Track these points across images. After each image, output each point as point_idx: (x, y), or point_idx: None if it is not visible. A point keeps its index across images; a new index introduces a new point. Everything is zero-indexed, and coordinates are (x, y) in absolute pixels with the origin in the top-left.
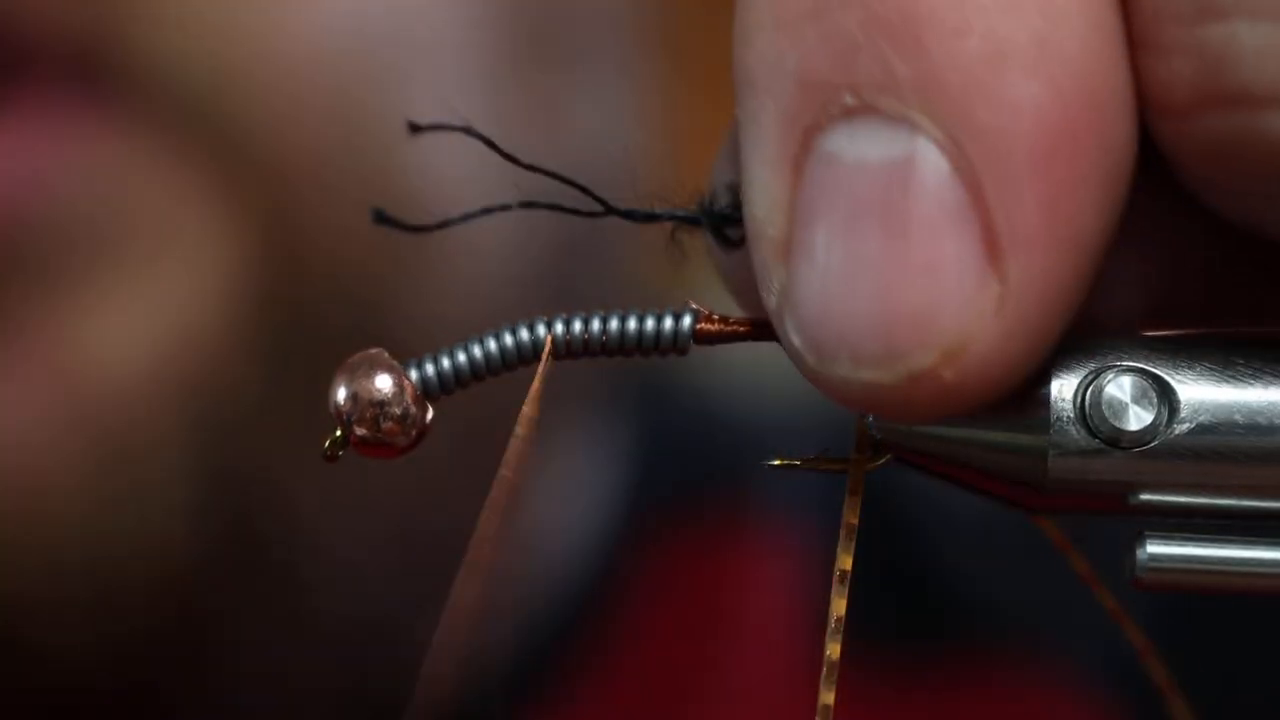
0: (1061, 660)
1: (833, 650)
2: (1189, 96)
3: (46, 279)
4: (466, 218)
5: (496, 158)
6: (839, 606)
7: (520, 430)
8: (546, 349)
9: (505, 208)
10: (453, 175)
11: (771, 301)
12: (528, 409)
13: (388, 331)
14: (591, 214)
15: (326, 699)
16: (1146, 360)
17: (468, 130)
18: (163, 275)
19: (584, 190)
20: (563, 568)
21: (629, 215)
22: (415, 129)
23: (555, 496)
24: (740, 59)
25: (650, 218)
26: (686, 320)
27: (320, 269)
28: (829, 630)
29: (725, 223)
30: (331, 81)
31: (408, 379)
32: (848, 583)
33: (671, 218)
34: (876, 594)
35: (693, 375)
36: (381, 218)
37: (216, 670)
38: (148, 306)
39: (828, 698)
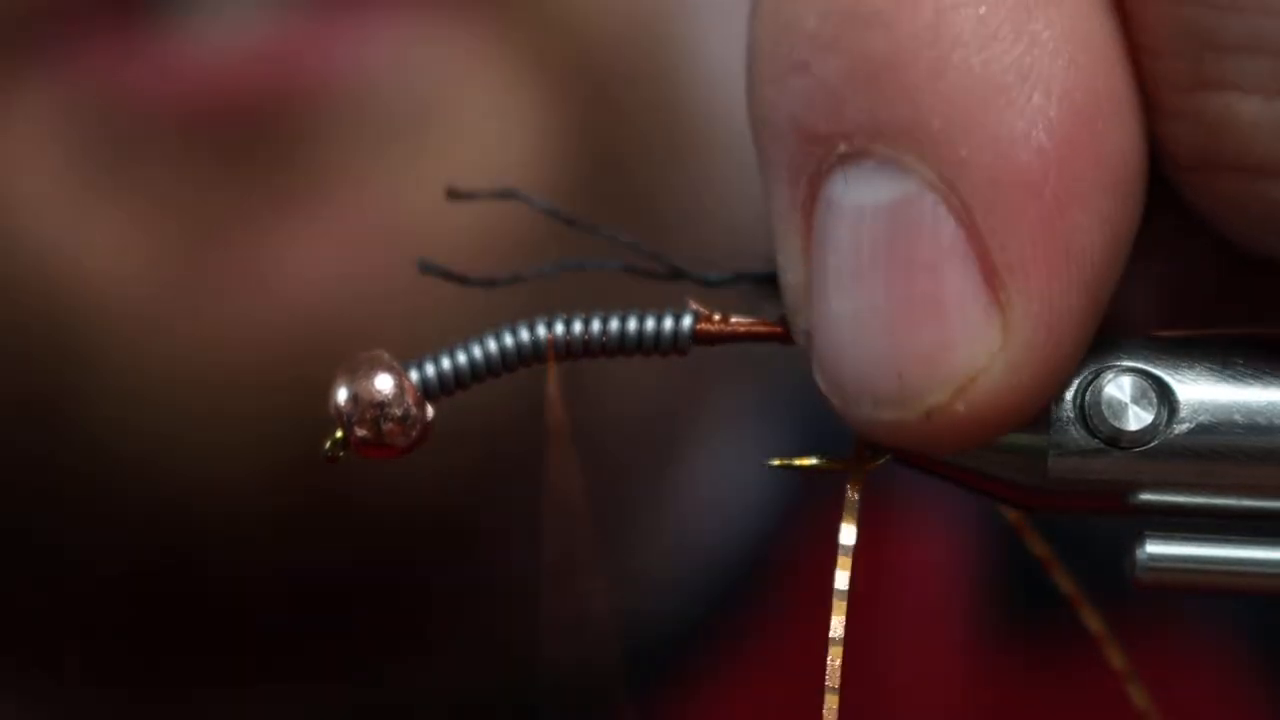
0: (1197, 624)
1: (834, 655)
2: (1193, 157)
3: (370, 141)
4: (514, 280)
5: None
6: (839, 609)
7: (551, 435)
8: (550, 351)
9: (548, 271)
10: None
11: (802, 345)
12: (551, 414)
13: (684, 225)
14: (661, 276)
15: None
16: (1146, 360)
17: (513, 195)
18: (480, 147)
19: (655, 256)
20: (720, 545)
21: (703, 281)
22: (454, 196)
23: (715, 477)
24: (749, 111)
25: (722, 282)
26: (687, 320)
27: (630, 164)
28: (830, 638)
29: None
30: None
31: (408, 380)
32: (846, 596)
33: (744, 279)
34: (1008, 563)
35: None
36: (426, 267)
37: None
38: (464, 173)
39: (832, 702)
